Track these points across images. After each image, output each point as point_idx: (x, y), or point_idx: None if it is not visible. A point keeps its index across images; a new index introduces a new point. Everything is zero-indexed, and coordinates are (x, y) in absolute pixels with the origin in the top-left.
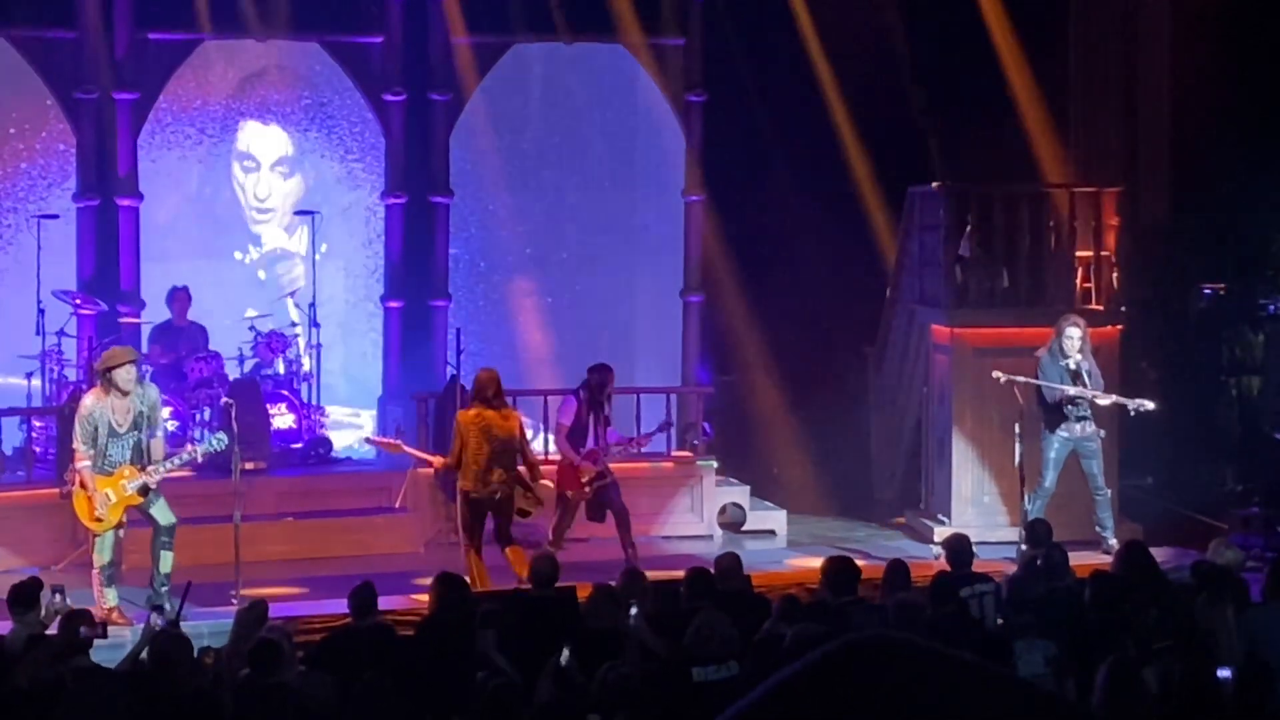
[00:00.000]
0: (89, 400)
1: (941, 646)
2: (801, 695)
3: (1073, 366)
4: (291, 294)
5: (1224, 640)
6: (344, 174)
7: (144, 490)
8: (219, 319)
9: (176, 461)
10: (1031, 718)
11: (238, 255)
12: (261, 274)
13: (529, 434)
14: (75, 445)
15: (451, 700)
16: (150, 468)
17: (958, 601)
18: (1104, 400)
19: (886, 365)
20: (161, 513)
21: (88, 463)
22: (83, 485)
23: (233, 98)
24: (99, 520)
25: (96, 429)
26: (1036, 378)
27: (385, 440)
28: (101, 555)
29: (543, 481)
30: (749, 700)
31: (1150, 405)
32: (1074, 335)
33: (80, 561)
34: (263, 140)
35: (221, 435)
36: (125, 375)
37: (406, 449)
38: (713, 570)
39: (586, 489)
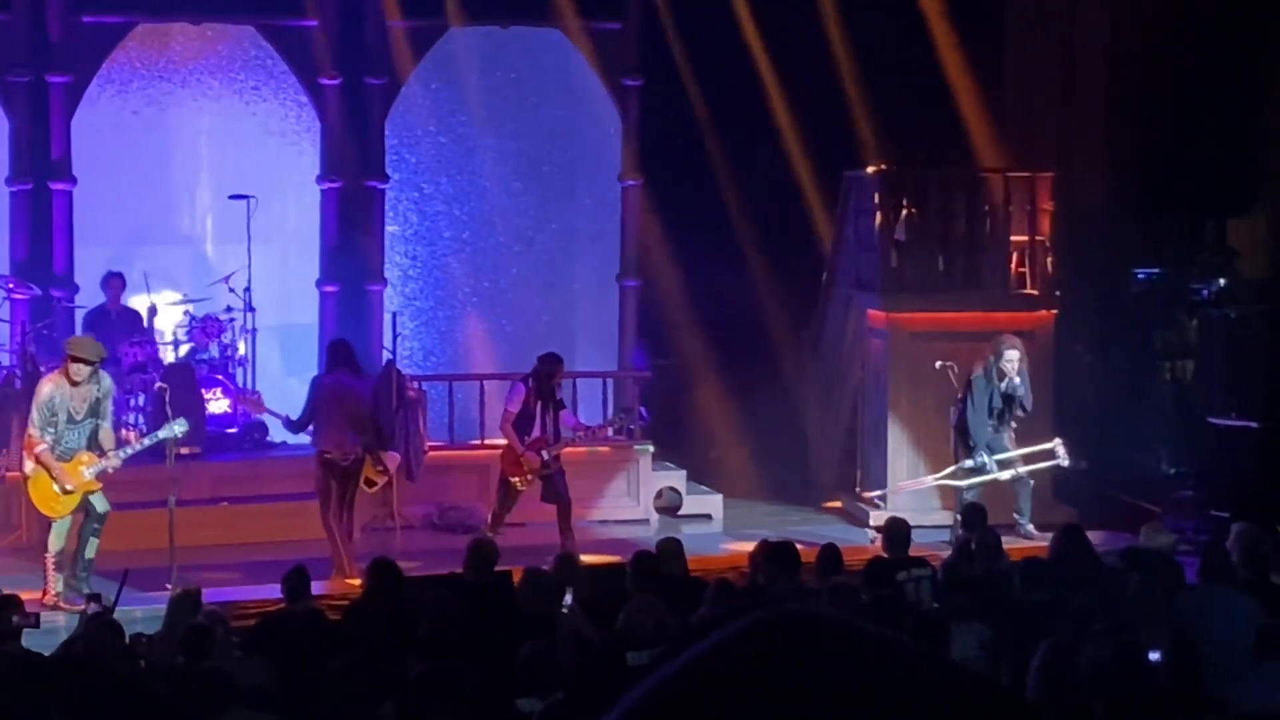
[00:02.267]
0: (48, 387)
1: (861, 621)
2: (716, 669)
3: (1006, 389)
4: (226, 279)
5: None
6: (279, 158)
7: (101, 476)
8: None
9: (137, 447)
10: (951, 694)
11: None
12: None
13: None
14: (31, 430)
15: (385, 685)
16: (111, 453)
17: (894, 585)
18: (1005, 476)
19: (823, 349)
20: (99, 500)
21: (45, 446)
22: (45, 468)
23: (167, 81)
24: (60, 502)
25: (56, 414)
26: (969, 394)
27: (247, 397)
28: (57, 541)
29: (387, 453)
30: (662, 675)
31: (1065, 462)
32: (1012, 357)
33: (15, 545)
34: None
35: (183, 420)
36: (77, 370)
37: (265, 408)
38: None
39: (529, 477)
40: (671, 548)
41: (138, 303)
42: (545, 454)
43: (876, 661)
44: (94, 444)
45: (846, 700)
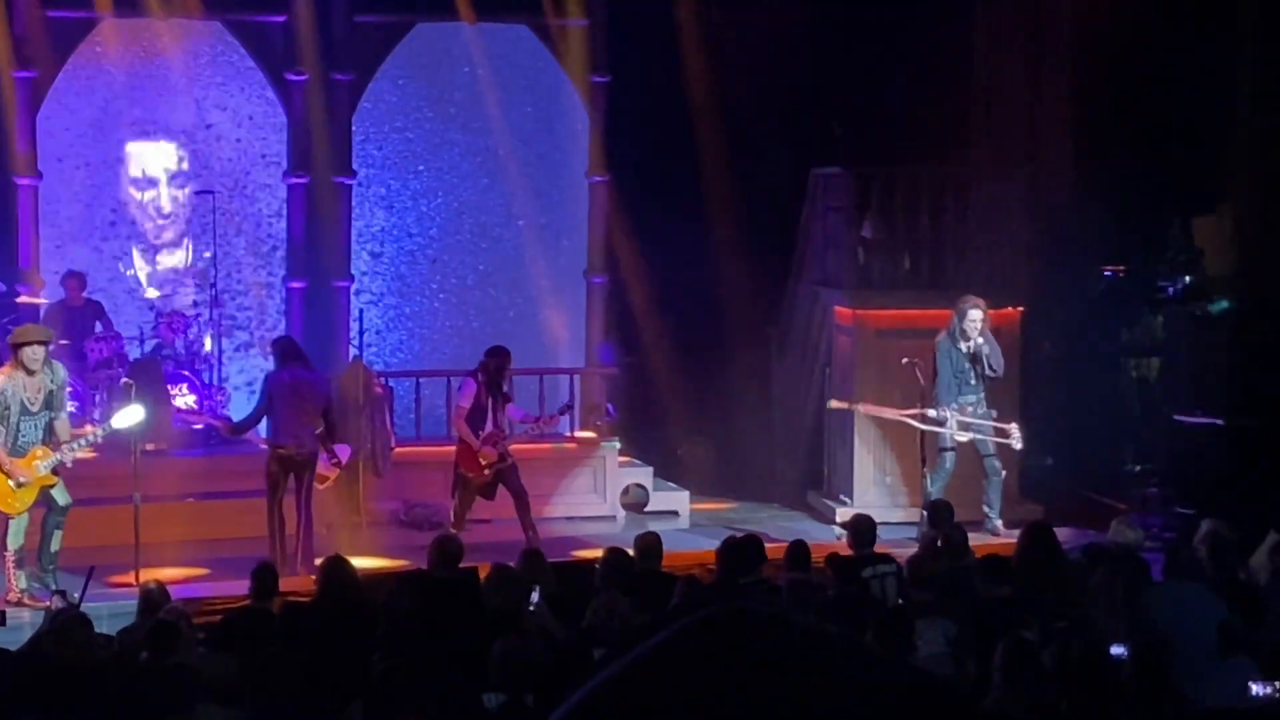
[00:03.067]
0: (0, 380)
1: (800, 616)
2: (658, 666)
3: (972, 349)
4: (193, 274)
5: (1115, 617)
6: (245, 154)
7: (57, 470)
8: (118, 298)
9: (92, 438)
10: (884, 686)
11: (125, 270)
12: (152, 292)
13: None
14: None
15: (348, 683)
16: (64, 446)
17: (860, 581)
18: (963, 437)
19: (790, 347)
20: (60, 493)
21: None
22: None
23: (134, 76)
24: (15, 498)
25: (9, 408)
26: (934, 360)
27: (192, 411)
28: (15, 538)
29: (337, 445)
30: (608, 673)
31: (1017, 445)
32: (975, 317)
33: None
34: (154, 156)
35: (137, 408)
36: (31, 354)
37: (206, 417)
38: (632, 549)
39: (486, 472)
40: (651, 543)
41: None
42: (499, 447)
43: (810, 655)
44: (50, 437)
45: (785, 693)
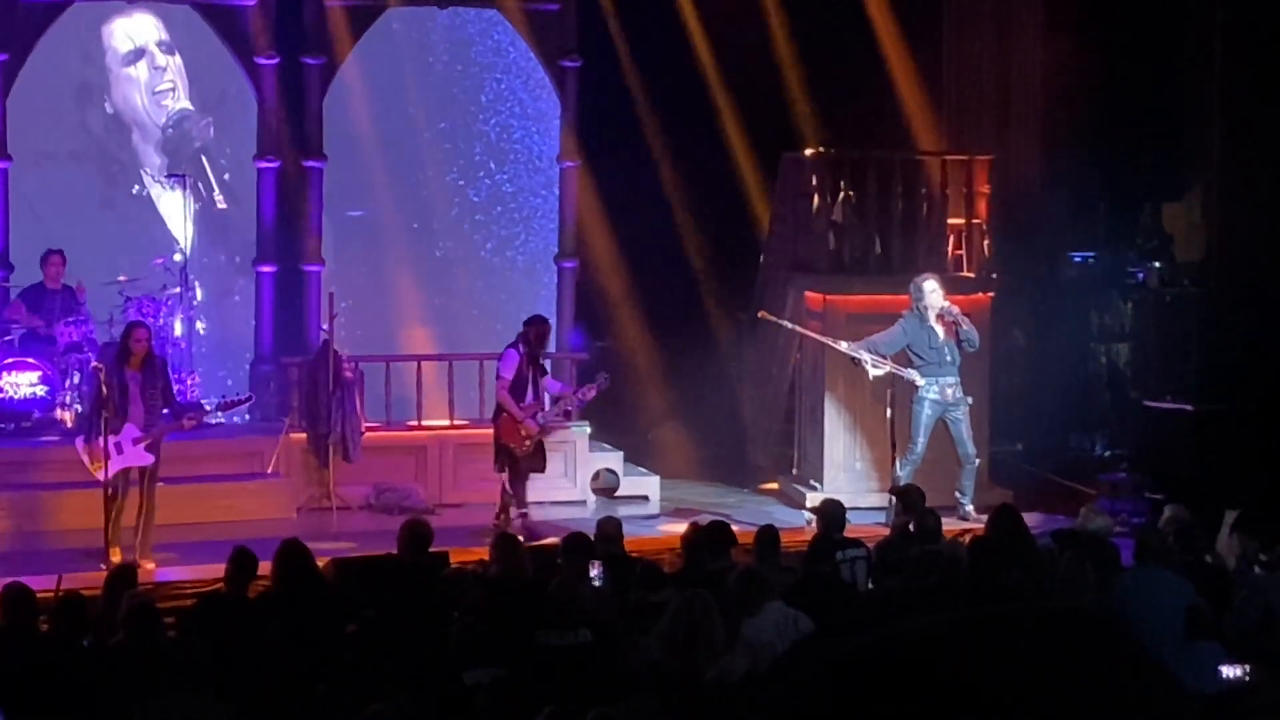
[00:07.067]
0: None
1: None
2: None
3: (941, 314)
4: (163, 259)
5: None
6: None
7: None
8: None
9: None
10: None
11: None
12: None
13: None
14: None
15: (312, 666)
16: None
17: (830, 565)
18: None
19: (760, 331)
20: None
21: None
22: None
23: (104, 60)
24: None
25: None
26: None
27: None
28: None
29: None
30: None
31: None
32: (931, 287)
33: None
34: (137, 27)
35: None
36: None
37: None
38: (594, 533)
39: (528, 443)
40: (611, 529)
41: None
42: (540, 418)
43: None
44: None
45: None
